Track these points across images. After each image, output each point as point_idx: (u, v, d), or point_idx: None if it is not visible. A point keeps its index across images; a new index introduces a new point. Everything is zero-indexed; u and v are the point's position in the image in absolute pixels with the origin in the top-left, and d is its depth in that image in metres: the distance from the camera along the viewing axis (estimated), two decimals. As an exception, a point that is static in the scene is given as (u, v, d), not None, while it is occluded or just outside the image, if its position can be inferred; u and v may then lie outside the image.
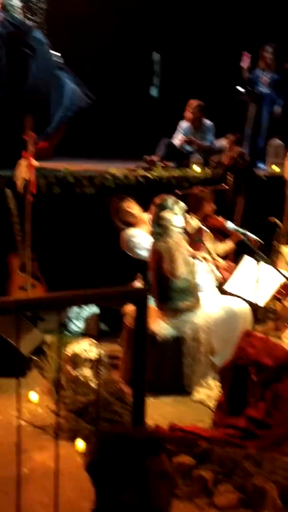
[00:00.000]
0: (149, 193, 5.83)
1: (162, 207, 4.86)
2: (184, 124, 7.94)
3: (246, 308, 4.93)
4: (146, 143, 8.25)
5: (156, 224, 4.87)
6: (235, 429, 3.81)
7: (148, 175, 6.84)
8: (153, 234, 4.93)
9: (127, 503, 1.82)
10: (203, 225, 5.78)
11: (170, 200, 4.90)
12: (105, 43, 9.10)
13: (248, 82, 8.39)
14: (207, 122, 7.96)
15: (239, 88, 8.41)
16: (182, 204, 4.96)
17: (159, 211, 4.86)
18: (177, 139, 7.86)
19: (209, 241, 5.78)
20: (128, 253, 5.47)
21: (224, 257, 5.89)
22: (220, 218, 6.02)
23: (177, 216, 4.86)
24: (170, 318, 4.77)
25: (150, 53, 8.72)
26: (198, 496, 3.42)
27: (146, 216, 5.33)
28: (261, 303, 4.98)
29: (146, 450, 1.88)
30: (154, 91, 8.91)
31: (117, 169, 6.77)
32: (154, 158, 7.42)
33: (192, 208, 5.84)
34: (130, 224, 5.50)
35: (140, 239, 5.25)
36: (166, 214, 4.82)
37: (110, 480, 1.85)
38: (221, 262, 5.73)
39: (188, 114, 7.90)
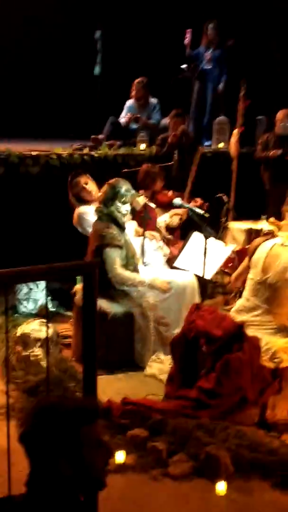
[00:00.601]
0: (95, 172, 5.81)
1: (115, 190, 4.81)
2: (129, 102, 7.90)
3: (193, 281, 4.98)
4: (92, 123, 8.19)
5: (103, 204, 4.83)
6: (187, 400, 3.86)
7: (94, 154, 6.80)
8: (97, 211, 4.89)
9: (61, 472, 1.81)
10: (151, 201, 5.80)
11: (125, 186, 4.83)
12: (47, 22, 8.96)
13: (191, 59, 8.40)
14: (152, 99, 7.94)
15: (183, 66, 8.42)
16: (133, 191, 4.92)
17: (110, 194, 4.80)
18: (123, 117, 7.83)
19: (159, 216, 5.81)
20: (79, 230, 5.45)
21: (171, 233, 5.93)
22: (170, 194, 6.07)
23: (125, 205, 4.82)
24: (118, 296, 4.77)
25: (93, 31, 8.60)
26: (152, 467, 3.47)
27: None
28: (208, 276, 5.04)
29: (80, 419, 1.87)
30: (97, 70, 8.81)
31: (62, 148, 6.71)
32: (100, 137, 7.38)
33: (142, 185, 5.86)
34: (84, 201, 5.47)
35: (91, 216, 5.22)
36: (116, 201, 4.78)
37: (44, 450, 1.83)
38: (170, 237, 5.79)
39: (133, 92, 7.86)
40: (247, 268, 4.17)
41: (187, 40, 8.12)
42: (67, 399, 2.09)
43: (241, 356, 3.78)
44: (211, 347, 3.90)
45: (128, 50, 9.08)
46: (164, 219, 5.87)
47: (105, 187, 4.89)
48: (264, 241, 4.14)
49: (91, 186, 5.45)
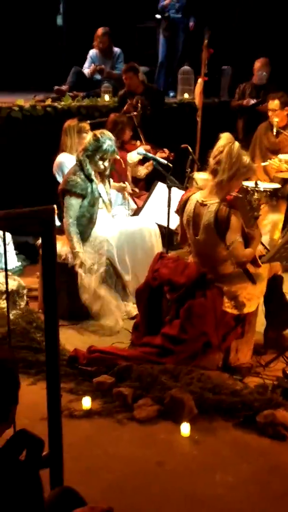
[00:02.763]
0: (58, 124, 5.74)
1: (98, 144, 4.72)
2: (92, 52, 7.76)
3: (149, 226, 5.00)
4: (55, 74, 8.05)
5: (83, 151, 4.77)
6: (152, 347, 3.92)
7: (57, 105, 6.70)
8: (76, 157, 4.86)
9: None
10: (121, 151, 5.76)
11: (109, 142, 4.72)
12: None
13: (160, 10, 8.25)
14: (116, 49, 7.82)
15: (157, 16, 8.27)
16: (114, 148, 4.85)
17: (93, 146, 4.72)
18: (87, 68, 7.70)
19: (132, 163, 5.78)
20: (57, 178, 5.43)
21: (136, 184, 5.93)
22: (138, 143, 6.03)
23: (104, 161, 4.77)
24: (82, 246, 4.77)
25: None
26: (118, 412, 3.55)
27: None
28: (173, 226, 5.06)
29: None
30: (59, 20, 8.62)
31: (24, 100, 6.59)
32: (64, 87, 7.26)
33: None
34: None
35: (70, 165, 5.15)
36: (96, 155, 4.73)
37: None
38: (135, 189, 5.79)
39: (96, 42, 7.72)
40: (183, 226, 4.09)
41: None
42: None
43: (204, 302, 3.83)
44: (175, 294, 3.94)
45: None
46: (134, 156, 5.82)
47: (90, 137, 4.82)
48: (187, 197, 4.01)
49: (87, 134, 5.36)
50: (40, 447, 2.04)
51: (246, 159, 3.75)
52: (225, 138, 3.77)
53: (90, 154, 4.72)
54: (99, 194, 4.84)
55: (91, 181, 4.75)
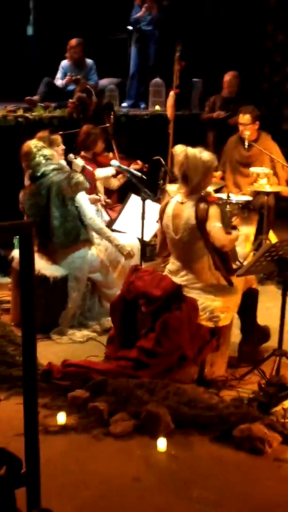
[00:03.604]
0: (30, 134, 5.69)
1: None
2: (65, 63, 7.73)
3: (136, 243, 4.98)
4: (25, 84, 7.99)
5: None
6: (127, 361, 3.90)
7: (29, 115, 6.65)
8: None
9: None
10: (93, 163, 5.74)
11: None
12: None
13: (133, 22, 8.28)
14: (89, 61, 7.80)
15: (129, 27, 8.29)
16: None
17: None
18: (60, 79, 7.66)
19: (100, 179, 5.76)
20: None
21: (109, 196, 5.91)
22: (111, 155, 6.02)
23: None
24: (60, 259, 4.73)
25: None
26: (94, 427, 3.50)
27: None
28: (147, 238, 5.06)
29: None
30: (30, 30, 8.58)
31: (-5, 110, 6.54)
32: (35, 98, 7.21)
33: (83, 146, 5.78)
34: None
35: None
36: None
37: None
38: (108, 201, 5.77)
39: (69, 53, 7.69)
40: (164, 234, 4.14)
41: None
42: None
43: (179, 315, 3.83)
44: (151, 307, 3.93)
45: (61, 9, 8.86)
46: (107, 172, 5.81)
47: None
48: (166, 203, 4.11)
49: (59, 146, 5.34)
50: (19, 467, 2.00)
51: (205, 154, 3.91)
52: (178, 148, 3.95)
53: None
54: None
55: None
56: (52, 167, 4.72)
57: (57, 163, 4.81)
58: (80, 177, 4.72)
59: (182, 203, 3.97)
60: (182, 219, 3.94)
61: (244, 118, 5.98)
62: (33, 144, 4.75)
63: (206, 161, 3.88)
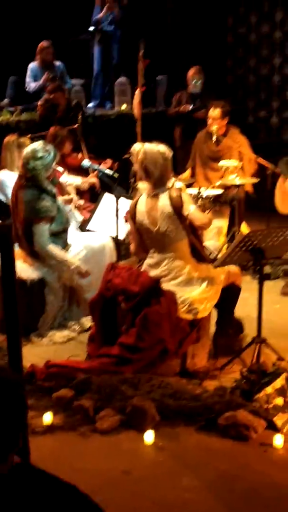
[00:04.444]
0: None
1: (44, 161, 4.66)
2: (33, 65, 7.70)
3: (108, 242, 5.00)
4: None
5: (39, 176, 4.65)
6: (110, 357, 3.92)
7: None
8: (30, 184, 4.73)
9: None
10: (61, 165, 5.74)
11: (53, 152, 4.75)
12: None
13: (94, 23, 8.28)
14: (58, 63, 7.80)
15: (90, 29, 8.30)
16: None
17: (41, 163, 4.65)
18: (32, 82, 7.63)
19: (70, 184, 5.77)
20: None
21: (81, 196, 5.92)
22: (80, 156, 6.03)
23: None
24: (36, 262, 4.73)
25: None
26: (81, 425, 3.53)
27: None
28: (122, 236, 5.09)
29: None
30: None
31: None
32: (6, 101, 7.16)
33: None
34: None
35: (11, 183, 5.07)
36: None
37: None
38: (81, 202, 5.77)
39: (40, 55, 7.67)
40: (139, 233, 4.17)
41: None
42: None
43: (159, 310, 3.87)
44: (130, 303, 3.96)
45: (21, 12, 8.82)
46: (74, 180, 5.82)
47: (32, 158, 4.68)
48: (135, 202, 4.16)
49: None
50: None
51: (161, 147, 4.02)
52: (134, 147, 4.06)
53: (41, 173, 4.63)
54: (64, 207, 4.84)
55: (55, 199, 4.71)
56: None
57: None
58: (45, 205, 4.60)
59: (153, 196, 4.05)
60: (158, 211, 4.01)
61: (215, 112, 6.04)
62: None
63: (163, 152, 4.00)
